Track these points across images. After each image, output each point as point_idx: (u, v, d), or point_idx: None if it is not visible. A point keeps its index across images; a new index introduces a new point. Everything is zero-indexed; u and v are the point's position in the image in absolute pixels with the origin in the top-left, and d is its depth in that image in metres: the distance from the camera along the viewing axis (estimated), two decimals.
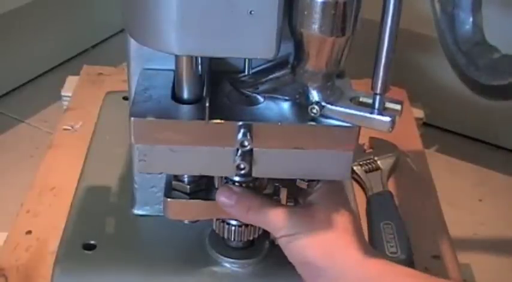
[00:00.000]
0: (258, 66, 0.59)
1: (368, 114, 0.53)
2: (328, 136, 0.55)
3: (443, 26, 0.54)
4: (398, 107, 0.54)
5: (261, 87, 0.57)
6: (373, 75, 0.52)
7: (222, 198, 0.59)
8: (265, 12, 0.48)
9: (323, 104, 0.54)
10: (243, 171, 0.55)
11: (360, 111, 0.54)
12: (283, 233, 0.58)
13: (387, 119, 0.52)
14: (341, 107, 0.54)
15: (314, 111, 0.54)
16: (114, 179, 0.75)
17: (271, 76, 0.57)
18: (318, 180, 0.59)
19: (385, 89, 0.52)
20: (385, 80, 0.52)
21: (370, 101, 0.54)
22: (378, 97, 0.53)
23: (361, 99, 0.55)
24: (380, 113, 0.53)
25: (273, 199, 0.61)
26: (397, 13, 0.50)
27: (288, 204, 0.61)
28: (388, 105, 0.54)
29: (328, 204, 0.59)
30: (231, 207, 0.59)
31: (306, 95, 0.55)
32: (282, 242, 0.58)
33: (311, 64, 0.53)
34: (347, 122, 0.54)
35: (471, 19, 0.52)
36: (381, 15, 0.50)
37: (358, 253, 0.56)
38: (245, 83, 0.58)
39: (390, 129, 0.53)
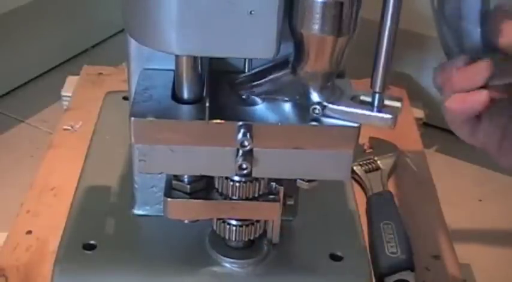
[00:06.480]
0: (258, 66, 0.59)
1: (370, 112, 0.53)
2: (328, 136, 0.55)
3: (449, 40, 0.54)
4: (398, 104, 0.54)
5: (261, 89, 0.57)
6: (373, 74, 0.52)
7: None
8: (265, 12, 0.48)
9: (325, 104, 0.54)
10: (245, 172, 0.55)
11: (362, 109, 0.54)
12: None
13: (389, 115, 0.53)
14: (343, 106, 0.54)
15: (316, 111, 0.54)
16: (114, 179, 0.75)
17: (271, 77, 0.57)
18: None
19: (384, 87, 0.53)
20: (384, 79, 0.52)
21: (370, 99, 0.54)
22: (377, 95, 0.53)
23: (361, 98, 0.55)
24: (381, 111, 0.53)
25: None
26: (396, 12, 0.50)
27: (288, 203, 0.61)
28: (388, 102, 0.54)
29: None
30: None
31: (306, 95, 0.55)
32: None
33: (311, 64, 0.53)
34: (349, 121, 0.54)
35: (479, 30, 0.52)
36: (381, 15, 0.50)
37: None
38: (244, 85, 0.58)
39: (392, 126, 0.53)
